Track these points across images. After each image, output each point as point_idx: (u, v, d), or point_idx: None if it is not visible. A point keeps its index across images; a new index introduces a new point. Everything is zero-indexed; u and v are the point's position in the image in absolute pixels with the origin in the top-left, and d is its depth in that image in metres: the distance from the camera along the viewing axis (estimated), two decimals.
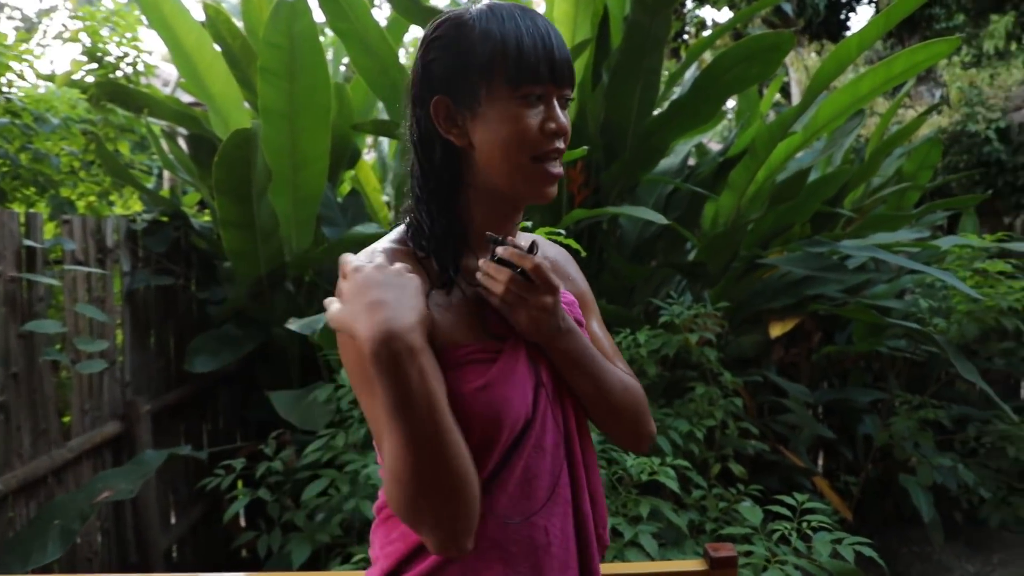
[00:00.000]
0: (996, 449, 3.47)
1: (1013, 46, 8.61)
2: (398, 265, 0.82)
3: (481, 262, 0.90)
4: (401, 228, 0.97)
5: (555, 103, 0.90)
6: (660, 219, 2.25)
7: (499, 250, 0.88)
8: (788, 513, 1.91)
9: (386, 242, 0.95)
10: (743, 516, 2.13)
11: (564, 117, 0.91)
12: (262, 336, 3.09)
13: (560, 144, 0.92)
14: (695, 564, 1.47)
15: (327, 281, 3.34)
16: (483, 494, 0.87)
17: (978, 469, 3.45)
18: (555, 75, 0.89)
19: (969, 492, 3.45)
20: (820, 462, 4.28)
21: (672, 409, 2.66)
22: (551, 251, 1.09)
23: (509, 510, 0.89)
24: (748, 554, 1.96)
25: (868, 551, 1.71)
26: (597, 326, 1.08)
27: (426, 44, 0.92)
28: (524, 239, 1.01)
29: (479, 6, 0.91)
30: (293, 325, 2.25)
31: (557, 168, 0.92)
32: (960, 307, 3.11)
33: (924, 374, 3.73)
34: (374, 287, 0.78)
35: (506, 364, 0.90)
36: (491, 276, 0.89)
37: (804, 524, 1.85)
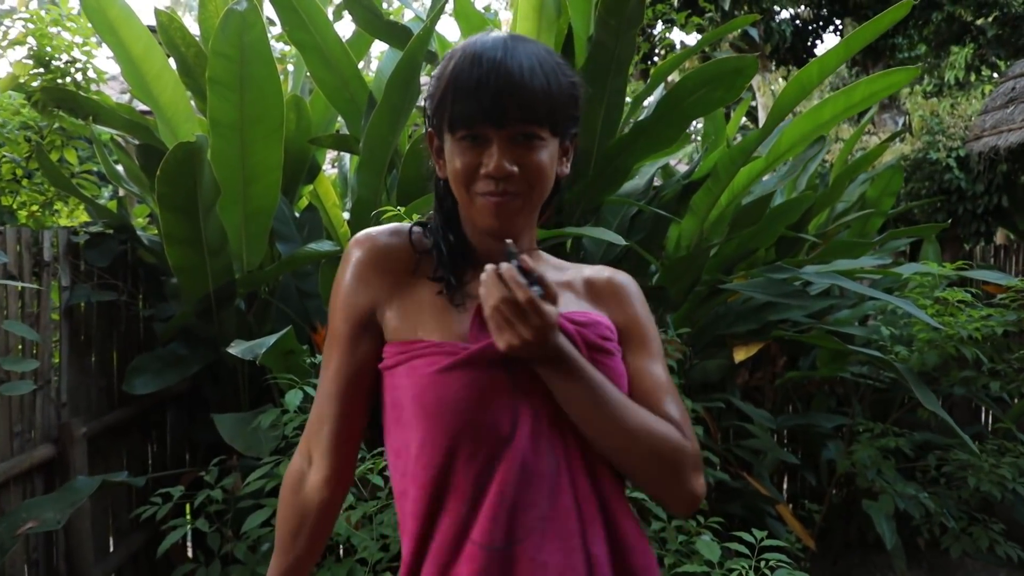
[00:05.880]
0: (957, 479, 3.46)
1: (973, 77, 8.86)
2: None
3: (489, 266, 0.84)
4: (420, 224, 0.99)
5: (495, 144, 0.87)
6: (618, 240, 2.21)
7: (523, 257, 0.85)
8: (746, 551, 1.85)
9: (398, 226, 0.98)
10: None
11: (504, 158, 0.86)
12: (210, 356, 2.96)
13: (504, 187, 0.87)
14: None
15: (280, 299, 3.23)
16: (457, 515, 0.86)
17: (940, 499, 3.43)
18: (493, 116, 0.85)
19: (931, 520, 3.42)
20: (785, 487, 4.26)
21: None
22: (609, 275, 1.08)
23: (491, 535, 0.84)
24: None
25: None
26: (647, 363, 0.98)
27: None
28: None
29: (467, 40, 0.92)
30: (234, 349, 2.14)
31: (496, 198, 0.88)
32: (921, 335, 3.11)
33: (888, 400, 3.72)
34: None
35: (469, 364, 0.86)
36: (490, 285, 0.83)
37: (762, 563, 1.79)
